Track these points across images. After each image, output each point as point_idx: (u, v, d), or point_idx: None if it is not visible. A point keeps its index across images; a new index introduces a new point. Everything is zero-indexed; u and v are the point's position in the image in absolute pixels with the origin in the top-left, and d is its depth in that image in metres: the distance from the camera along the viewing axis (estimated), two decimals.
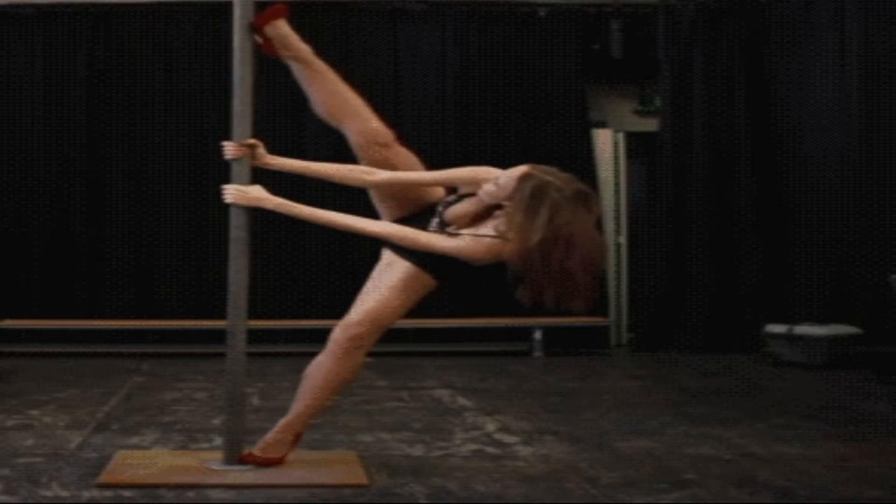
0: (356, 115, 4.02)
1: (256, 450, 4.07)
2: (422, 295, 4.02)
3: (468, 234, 3.85)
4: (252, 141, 4.09)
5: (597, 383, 7.09)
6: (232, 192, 4.02)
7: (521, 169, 3.81)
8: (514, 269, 3.70)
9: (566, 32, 9.01)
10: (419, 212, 4.04)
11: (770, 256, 8.70)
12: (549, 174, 3.76)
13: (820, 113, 8.33)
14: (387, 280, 3.99)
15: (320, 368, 4.02)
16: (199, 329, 8.16)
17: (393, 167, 4.00)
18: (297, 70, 4.07)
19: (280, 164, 4.14)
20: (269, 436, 4.09)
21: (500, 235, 3.74)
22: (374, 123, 4.02)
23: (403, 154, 4.07)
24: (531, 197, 3.65)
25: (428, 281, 3.99)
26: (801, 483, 3.95)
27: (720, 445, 4.67)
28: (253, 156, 4.08)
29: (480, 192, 3.86)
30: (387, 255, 4.06)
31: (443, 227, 3.92)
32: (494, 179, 3.82)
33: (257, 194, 4.01)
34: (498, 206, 3.81)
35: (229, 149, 4.06)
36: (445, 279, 4.01)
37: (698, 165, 8.84)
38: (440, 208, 3.98)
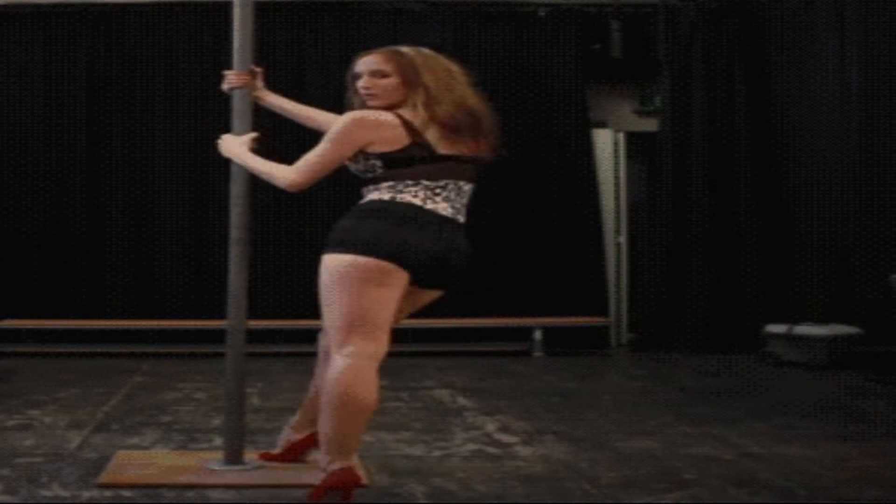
0: None
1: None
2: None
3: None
4: (256, 69, 4.14)
5: (597, 383, 7.09)
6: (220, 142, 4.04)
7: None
8: None
9: (566, 32, 9.01)
10: None
11: (770, 256, 8.70)
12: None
13: (820, 113, 8.33)
14: None
15: None
16: (199, 329, 8.15)
17: None
18: None
19: (271, 101, 4.17)
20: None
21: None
22: None
23: None
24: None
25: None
26: (801, 483, 3.96)
27: (720, 445, 4.67)
28: (253, 87, 4.13)
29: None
30: None
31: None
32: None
33: (230, 147, 3.98)
34: None
35: (231, 76, 4.06)
36: None
37: (698, 165, 8.84)
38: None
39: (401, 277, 3.48)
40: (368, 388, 3.48)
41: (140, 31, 8.74)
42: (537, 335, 8.50)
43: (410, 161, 3.51)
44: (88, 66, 8.74)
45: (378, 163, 3.52)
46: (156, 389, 6.46)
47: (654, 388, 6.80)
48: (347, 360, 3.46)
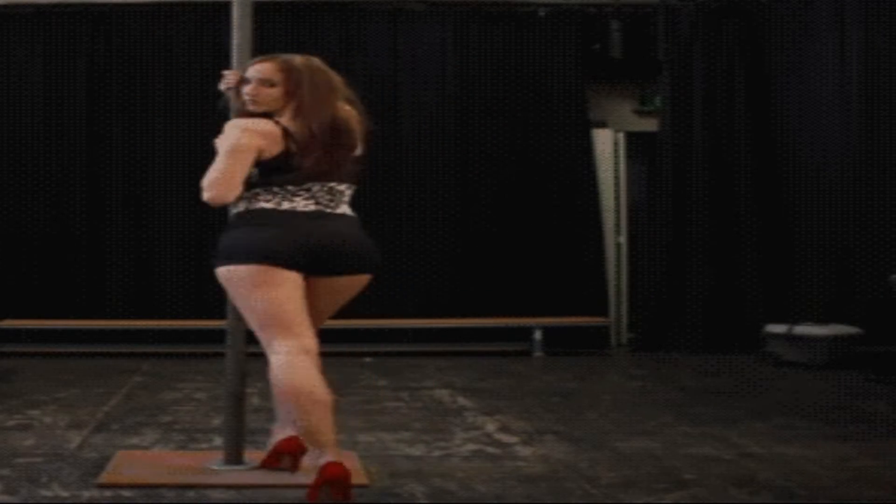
0: None
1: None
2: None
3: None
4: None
5: (597, 383, 7.09)
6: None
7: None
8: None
9: (566, 32, 9.01)
10: None
11: (770, 256, 8.70)
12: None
13: (820, 113, 8.33)
14: None
15: None
16: (199, 329, 8.15)
17: None
18: None
19: None
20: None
21: None
22: None
23: None
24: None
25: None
26: (801, 483, 3.95)
27: (720, 445, 4.67)
28: None
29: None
30: None
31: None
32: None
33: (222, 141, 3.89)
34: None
35: (229, 76, 4.01)
36: None
37: (698, 165, 8.84)
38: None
39: (285, 275, 3.58)
40: (308, 376, 3.55)
41: (140, 31, 8.75)
42: (537, 335, 8.50)
43: (281, 168, 3.64)
44: (88, 66, 8.74)
45: (255, 171, 3.66)
46: (156, 389, 6.46)
47: (654, 388, 6.81)
48: (277, 357, 3.57)
